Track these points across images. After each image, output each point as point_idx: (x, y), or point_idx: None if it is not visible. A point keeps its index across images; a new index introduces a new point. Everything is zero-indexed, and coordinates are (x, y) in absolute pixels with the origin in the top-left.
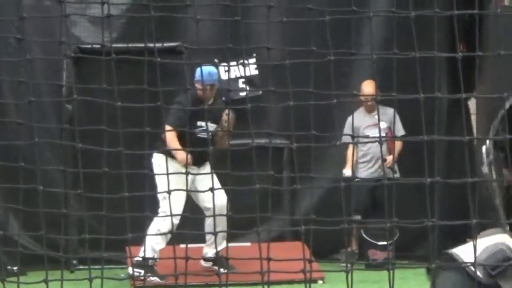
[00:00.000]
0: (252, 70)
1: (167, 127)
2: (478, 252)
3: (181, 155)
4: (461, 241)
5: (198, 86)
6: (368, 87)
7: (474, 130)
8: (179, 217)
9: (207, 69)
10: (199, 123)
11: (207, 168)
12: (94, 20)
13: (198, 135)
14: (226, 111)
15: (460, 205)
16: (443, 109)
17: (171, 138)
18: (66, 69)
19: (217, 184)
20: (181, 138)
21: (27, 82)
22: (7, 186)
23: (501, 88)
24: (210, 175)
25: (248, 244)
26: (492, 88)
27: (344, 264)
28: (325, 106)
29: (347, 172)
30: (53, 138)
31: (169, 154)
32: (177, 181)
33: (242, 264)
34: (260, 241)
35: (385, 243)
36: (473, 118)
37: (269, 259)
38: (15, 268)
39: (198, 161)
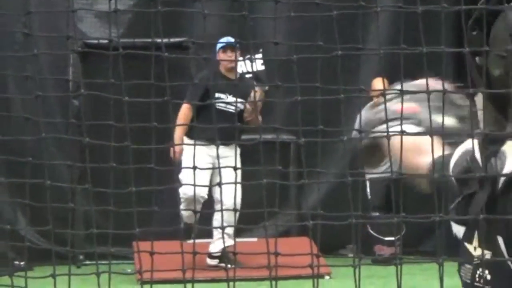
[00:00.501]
0: (258, 65)
1: (184, 104)
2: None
3: (177, 138)
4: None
5: (222, 56)
6: (378, 84)
7: (481, 125)
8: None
9: (226, 38)
10: (217, 94)
11: (233, 150)
12: (100, 15)
13: (220, 108)
14: (256, 89)
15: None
16: None
17: (180, 117)
18: (72, 64)
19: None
20: (200, 114)
21: (33, 77)
22: (14, 181)
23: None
24: (233, 162)
25: (255, 239)
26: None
27: (351, 256)
28: (332, 101)
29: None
30: (59, 133)
31: (189, 133)
32: (199, 161)
33: (249, 259)
34: (267, 236)
35: (392, 238)
36: (480, 113)
37: (276, 254)
38: (22, 263)
39: (222, 137)
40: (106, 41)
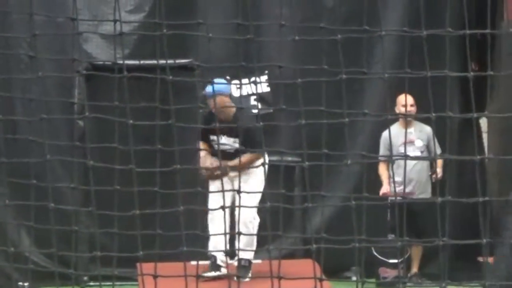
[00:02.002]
0: (263, 87)
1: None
2: None
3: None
4: (472, 260)
5: (210, 101)
6: (408, 98)
7: (486, 148)
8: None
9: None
10: (211, 137)
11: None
12: (106, 36)
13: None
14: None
15: (471, 223)
16: (455, 127)
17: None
18: (78, 85)
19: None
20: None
21: (39, 99)
22: (19, 203)
23: None
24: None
25: (259, 261)
26: (504, 106)
27: (355, 279)
28: (336, 124)
29: (384, 189)
30: (64, 154)
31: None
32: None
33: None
34: (271, 258)
35: (396, 261)
36: (485, 136)
37: (279, 278)
38: (26, 284)
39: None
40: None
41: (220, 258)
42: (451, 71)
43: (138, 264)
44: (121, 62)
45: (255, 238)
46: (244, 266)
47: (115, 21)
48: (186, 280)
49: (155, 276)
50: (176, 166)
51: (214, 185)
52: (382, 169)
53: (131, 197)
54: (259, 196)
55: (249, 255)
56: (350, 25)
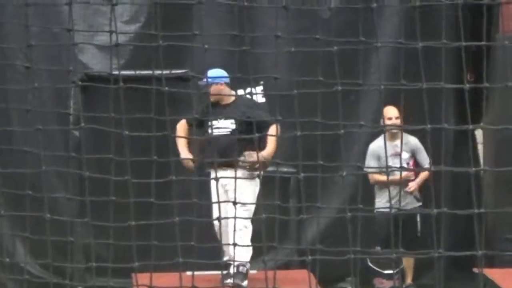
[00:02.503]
0: (259, 98)
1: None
2: None
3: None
4: (467, 270)
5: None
6: (393, 110)
7: (481, 160)
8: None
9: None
10: (210, 123)
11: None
12: (101, 46)
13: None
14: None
15: (466, 234)
16: (450, 139)
17: (179, 129)
18: (73, 96)
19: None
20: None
21: (35, 110)
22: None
23: (508, 117)
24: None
25: (255, 271)
26: (499, 117)
27: None
28: (332, 135)
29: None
30: (59, 165)
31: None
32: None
33: None
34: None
35: (391, 271)
36: (480, 147)
37: None
38: None
39: (220, 163)
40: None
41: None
42: (446, 82)
43: (133, 275)
44: (117, 72)
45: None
46: (241, 273)
47: (111, 32)
48: None
49: (150, 287)
50: (171, 177)
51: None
52: (376, 176)
53: (126, 207)
54: (252, 205)
55: (244, 260)
56: (345, 36)
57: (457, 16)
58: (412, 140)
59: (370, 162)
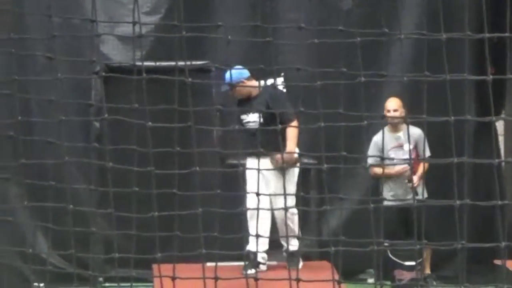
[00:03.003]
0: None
1: None
2: None
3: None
4: (487, 263)
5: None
6: (392, 103)
7: (502, 151)
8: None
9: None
10: (241, 117)
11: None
12: (122, 37)
13: (247, 128)
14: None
15: (487, 227)
16: (471, 131)
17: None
18: (94, 87)
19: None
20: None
21: (57, 101)
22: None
23: None
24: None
25: (275, 263)
26: None
27: (370, 281)
28: (354, 127)
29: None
30: (79, 156)
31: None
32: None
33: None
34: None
35: (412, 263)
36: (501, 139)
37: (298, 280)
38: (41, 284)
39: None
40: (128, 64)
41: (261, 255)
42: (468, 74)
43: (154, 266)
44: (139, 63)
45: (297, 230)
46: (294, 257)
47: (134, 22)
48: (205, 282)
49: (173, 278)
50: (195, 168)
51: (250, 183)
52: (377, 170)
53: (147, 198)
54: (294, 191)
55: (295, 247)
56: (366, 28)
57: (478, 8)
58: (416, 132)
59: (372, 154)
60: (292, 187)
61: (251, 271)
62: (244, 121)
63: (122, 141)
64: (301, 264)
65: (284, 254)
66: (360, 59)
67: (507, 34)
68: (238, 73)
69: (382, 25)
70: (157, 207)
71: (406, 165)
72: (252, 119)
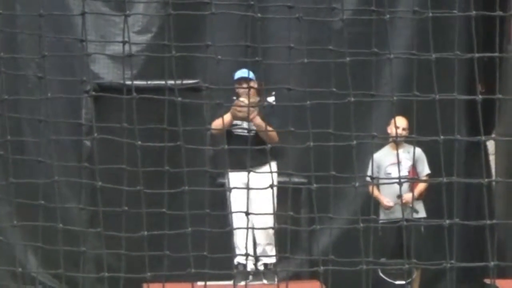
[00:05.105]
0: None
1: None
2: None
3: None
4: (477, 282)
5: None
6: (402, 121)
7: (493, 171)
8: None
9: (242, 70)
10: (235, 121)
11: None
12: (113, 56)
13: (238, 134)
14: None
15: (477, 245)
16: (462, 150)
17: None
18: (85, 105)
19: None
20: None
21: (47, 120)
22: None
23: None
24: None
25: (265, 281)
26: (511, 128)
27: None
28: (344, 146)
29: (387, 202)
30: (70, 174)
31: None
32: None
33: None
34: (279, 280)
35: (402, 282)
36: (492, 158)
37: None
38: None
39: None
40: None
41: (249, 265)
42: (458, 93)
43: (144, 285)
44: (129, 82)
45: (273, 245)
46: (271, 270)
47: (124, 42)
48: None
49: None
50: (184, 188)
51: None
52: (371, 189)
53: (138, 217)
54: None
55: (273, 260)
56: (357, 47)
57: (468, 28)
58: (416, 150)
59: (370, 171)
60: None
61: (241, 284)
62: (237, 126)
63: (112, 160)
64: (276, 279)
65: (262, 267)
66: (350, 77)
67: (496, 54)
68: (250, 72)
69: (372, 45)
70: (147, 226)
71: (395, 202)
72: (245, 125)
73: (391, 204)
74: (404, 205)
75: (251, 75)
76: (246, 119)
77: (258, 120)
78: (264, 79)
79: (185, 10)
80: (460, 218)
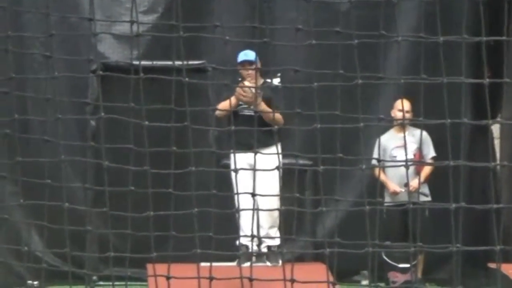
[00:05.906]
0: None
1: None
2: None
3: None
4: (481, 266)
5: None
6: (405, 104)
7: (498, 155)
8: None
9: (245, 51)
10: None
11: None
12: (118, 36)
13: (243, 114)
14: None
15: (482, 230)
16: (467, 133)
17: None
18: (91, 85)
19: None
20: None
21: (54, 99)
22: (30, 203)
23: None
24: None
25: (268, 264)
26: None
27: (364, 283)
28: (351, 128)
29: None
30: (75, 154)
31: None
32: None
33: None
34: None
35: (406, 265)
36: (497, 142)
37: (292, 281)
38: (35, 282)
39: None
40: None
41: (253, 247)
42: (464, 77)
43: (149, 265)
44: (135, 62)
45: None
46: (274, 253)
47: (131, 21)
48: (200, 282)
49: (167, 277)
50: (191, 168)
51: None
52: (377, 172)
53: (143, 197)
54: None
55: (276, 242)
56: (364, 30)
57: (475, 11)
58: (419, 133)
59: (376, 153)
60: (275, 184)
61: (245, 265)
62: (241, 106)
63: (118, 140)
64: (280, 261)
65: (265, 250)
66: (357, 60)
67: (504, 38)
68: (252, 54)
69: (379, 27)
70: (153, 207)
71: (402, 189)
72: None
73: (398, 190)
74: (411, 192)
75: (254, 56)
76: (250, 103)
77: (262, 106)
78: (271, 61)
79: None
80: (465, 202)
